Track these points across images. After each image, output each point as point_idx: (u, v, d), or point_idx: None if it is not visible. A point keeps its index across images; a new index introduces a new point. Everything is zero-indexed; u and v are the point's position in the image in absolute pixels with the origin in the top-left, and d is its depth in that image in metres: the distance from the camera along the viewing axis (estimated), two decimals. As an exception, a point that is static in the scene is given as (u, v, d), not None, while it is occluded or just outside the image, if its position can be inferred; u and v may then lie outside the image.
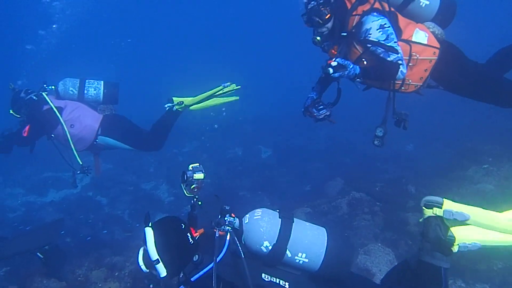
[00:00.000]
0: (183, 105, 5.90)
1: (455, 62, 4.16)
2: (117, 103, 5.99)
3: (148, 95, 14.45)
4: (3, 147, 5.63)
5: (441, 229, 2.70)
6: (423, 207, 2.80)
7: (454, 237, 2.74)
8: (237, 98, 6.23)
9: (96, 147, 5.89)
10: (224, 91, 5.87)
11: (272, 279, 2.63)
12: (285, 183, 10.78)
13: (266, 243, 2.65)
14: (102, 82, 5.79)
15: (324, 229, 2.77)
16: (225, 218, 2.74)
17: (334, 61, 3.62)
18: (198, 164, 3.01)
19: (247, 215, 2.84)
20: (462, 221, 2.66)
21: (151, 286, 2.72)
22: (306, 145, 13.39)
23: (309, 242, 2.66)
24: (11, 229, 8.87)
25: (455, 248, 2.76)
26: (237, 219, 2.78)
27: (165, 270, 2.59)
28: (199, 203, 2.92)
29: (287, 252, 2.65)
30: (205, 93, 5.90)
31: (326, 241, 2.67)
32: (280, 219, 2.72)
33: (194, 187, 2.90)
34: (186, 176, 2.90)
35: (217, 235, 2.69)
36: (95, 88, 5.70)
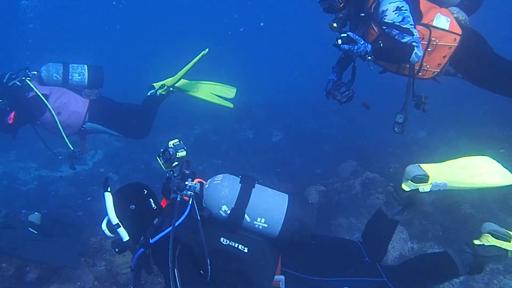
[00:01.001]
0: (165, 87, 5.76)
1: (476, 51, 4.04)
2: (102, 86, 5.86)
3: (134, 80, 14.33)
4: None
5: (496, 260, 2.82)
6: (488, 235, 2.79)
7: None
8: (232, 106, 6.29)
9: (83, 132, 5.82)
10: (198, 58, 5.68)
11: (230, 243, 2.66)
12: (296, 166, 10.79)
13: (224, 207, 2.66)
14: (86, 66, 5.64)
15: (286, 196, 2.77)
16: (186, 183, 2.77)
17: (345, 33, 3.58)
18: (178, 140, 2.97)
19: (208, 180, 2.85)
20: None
21: (116, 250, 2.76)
22: (317, 129, 13.37)
23: (268, 208, 2.67)
24: (25, 200, 8.98)
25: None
26: (198, 184, 2.79)
27: (127, 234, 2.68)
28: (174, 175, 2.88)
29: (246, 216, 2.65)
30: (183, 69, 5.72)
31: (286, 207, 2.67)
32: (240, 184, 2.72)
33: (175, 165, 2.88)
34: (170, 154, 2.87)
35: (178, 199, 2.75)
36: (80, 73, 5.56)
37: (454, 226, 5.57)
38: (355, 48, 3.54)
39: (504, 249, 2.71)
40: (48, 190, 9.39)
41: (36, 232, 4.64)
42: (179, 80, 5.80)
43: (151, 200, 2.86)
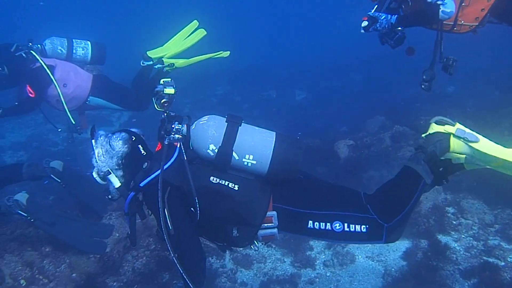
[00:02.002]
0: (174, 67, 5.70)
1: None
2: (104, 63, 5.87)
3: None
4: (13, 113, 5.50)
5: (442, 145, 2.71)
6: (433, 123, 2.77)
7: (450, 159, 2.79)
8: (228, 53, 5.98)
9: (85, 107, 5.79)
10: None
11: (220, 182, 2.67)
12: (321, 124, 10.71)
13: (211, 146, 2.65)
14: (89, 42, 5.64)
15: (274, 133, 2.73)
16: (172, 125, 2.77)
17: (365, 21, 3.56)
18: (170, 79, 2.98)
19: (194, 122, 2.83)
20: (470, 143, 2.63)
21: (108, 197, 2.86)
22: (341, 87, 13.19)
23: (256, 144, 2.64)
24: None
25: (452, 129, 2.73)
26: (184, 126, 2.79)
27: (118, 181, 2.81)
28: (168, 114, 2.88)
29: (234, 154, 2.64)
30: (199, 57, 5.71)
31: (273, 142, 2.63)
32: (226, 123, 2.70)
33: (164, 102, 2.89)
34: (156, 90, 2.90)
35: (166, 142, 2.76)
36: (83, 48, 5.56)
37: (489, 176, 5.49)
38: (378, 26, 3.52)
39: (447, 132, 2.70)
40: (78, 151, 9.55)
41: (59, 180, 4.74)
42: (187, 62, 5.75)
43: (139, 146, 2.91)
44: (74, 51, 5.52)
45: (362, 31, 3.63)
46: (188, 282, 2.56)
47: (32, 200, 4.44)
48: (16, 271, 4.34)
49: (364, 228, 2.72)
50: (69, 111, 5.44)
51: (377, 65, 13.45)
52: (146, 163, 2.90)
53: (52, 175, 4.68)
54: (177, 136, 2.75)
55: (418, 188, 2.78)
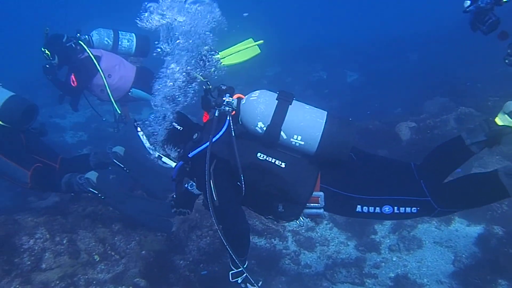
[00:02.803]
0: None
1: None
2: (147, 56, 5.92)
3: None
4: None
5: None
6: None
7: None
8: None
9: (128, 98, 5.91)
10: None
11: (267, 158, 2.70)
12: (374, 105, 10.43)
13: (260, 124, 2.64)
14: (134, 34, 5.74)
15: (325, 113, 2.69)
16: (223, 98, 2.82)
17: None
18: (209, 46, 3.10)
19: (246, 96, 2.83)
20: None
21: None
22: (395, 68, 12.73)
23: (305, 125, 2.61)
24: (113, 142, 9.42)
25: None
26: (235, 100, 2.82)
27: (172, 162, 3.10)
28: (210, 87, 2.97)
29: (282, 133, 2.63)
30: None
31: (323, 124, 2.59)
32: (276, 101, 2.69)
33: (213, 71, 3.05)
34: (204, 59, 3.02)
35: (216, 115, 2.85)
36: (128, 40, 5.68)
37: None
38: (480, 2, 3.36)
39: None
40: (133, 132, 9.78)
41: (122, 165, 4.85)
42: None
43: (174, 124, 3.07)
44: (119, 42, 5.69)
45: (468, 9, 3.44)
46: (231, 253, 2.68)
47: (102, 179, 4.59)
48: (90, 247, 4.52)
49: (414, 209, 2.69)
50: (114, 101, 5.64)
51: (433, 44, 12.91)
52: (196, 134, 3.03)
53: (115, 160, 4.81)
54: (227, 108, 2.80)
55: (496, 199, 2.79)
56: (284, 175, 2.68)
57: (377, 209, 2.68)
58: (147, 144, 3.14)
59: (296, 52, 15.05)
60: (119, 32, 5.71)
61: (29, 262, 4.17)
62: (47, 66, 5.46)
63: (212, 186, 2.69)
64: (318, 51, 14.92)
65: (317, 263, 4.80)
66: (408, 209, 2.68)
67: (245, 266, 2.84)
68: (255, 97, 2.75)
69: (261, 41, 5.74)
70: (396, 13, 20.23)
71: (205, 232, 5.06)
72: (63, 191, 4.61)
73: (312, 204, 2.75)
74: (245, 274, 2.85)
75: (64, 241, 4.41)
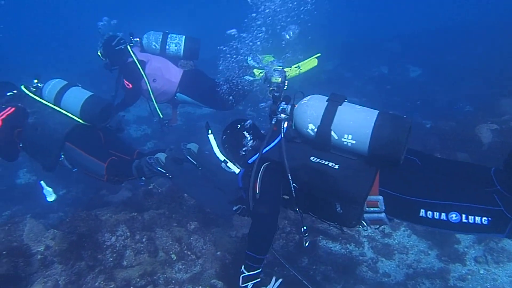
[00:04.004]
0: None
1: None
2: (197, 59, 5.82)
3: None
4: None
5: None
6: None
7: None
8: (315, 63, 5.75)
9: (175, 101, 5.93)
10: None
11: (321, 161, 2.72)
12: (441, 103, 9.97)
13: (311, 126, 2.70)
14: (183, 37, 5.63)
15: (376, 112, 2.63)
16: (279, 105, 2.97)
17: None
18: (281, 67, 3.25)
19: (298, 102, 2.90)
20: None
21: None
22: (462, 62, 12.13)
23: (355, 123, 2.59)
24: (176, 136, 9.53)
25: None
26: (289, 106, 2.93)
27: (236, 168, 3.29)
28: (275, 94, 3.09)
29: (333, 134, 2.64)
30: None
31: (373, 122, 2.54)
32: (326, 103, 2.71)
33: (271, 89, 3.11)
34: (266, 77, 3.21)
35: (273, 122, 3.01)
36: (176, 44, 5.58)
37: None
38: None
39: None
40: (196, 127, 9.88)
41: (195, 162, 4.83)
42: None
43: (244, 132, 3.29)
44: (167, 46, 5.65)
45: None
46: (252, 246, 2.91)
47: (171, 160, 4.65)
48: (168, 246, 4.55)
49: (485, 220, 2.45)
50: (157, 104, 5.70)
51: (500, 36, 12.19)
52: (255, 142, 3.26)
53: (188, 157, 4.81)
54: (282, 115, 2.93)
55: None
56: (338, 176, 2.67)
57: (443, 216, 2.50)
58: (216, 147, 3.33)
59: (354, 46, 14.68)
60: (169, 35, 5.67)
61: (111, 259, 4.25)
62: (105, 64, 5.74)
63: (258, 180, 2.89)
64: (377, 45, 14.48)
65: (397, 272, 4.61)
66: (478, 219, 2.45)
67: (259, 271, 2.94)
68: (306, 101, 2.82)
69: (319, 54, 5.65)
70: (457, 2, 19.31)
71: (277, 234, 4.99)
72: (134, 176, 4.71)
73: (371, 209, 2.69)
74: (258, 279, 2.93)
75: (144, 239, 4.46)
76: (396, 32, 15.41)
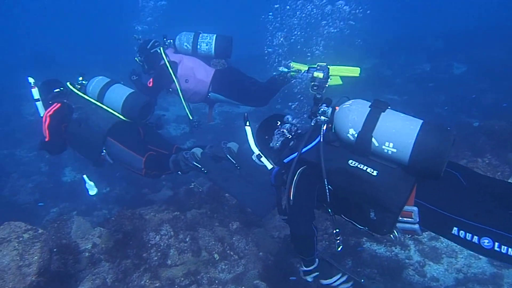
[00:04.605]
0: (297, 72, 5.41)
1: None
2: (230, 57, 5.76)
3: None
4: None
5: None
6: None
7: None
8: (358, 74, 5.41)
9: (210, 100, 5.90)
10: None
11: (359, 166, 2.67)
12: (488, 101, 9.58)
13: (351, 131, 2.66)
14: (214, 36, 5.59)
15: (420, 121, 2.56)
16: (320, 107, 2.94)
17: None
18: (325, 64, 3.26)
19: (340, 105, 2.85)
20: None
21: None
22: (509, 59, 11.62)
23: (397, 132, 2.53)
24: (215, 134, 9.59)
25: None
26: (330, 108, 2.89)
27: (269, 164, 3.30)
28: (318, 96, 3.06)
29: (374, 140, 2.58)
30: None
31: (417, 132, 2.48)
32: (369, 108, 2.66)
33: (313, 85, 3.16)
34: (310, 73, 3.23)
35: (312, 124, 2.98)
36: (207, 43, 5.54)
37: None
38: None
39: None
40: (234, 125, 9.90)
41: (234, 161, 4.80)
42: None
43: (283, 129, 3.31)
44: (198, 46, 5.62)
45: None
46: (296, 251, 3.02)
47: (206, 155, 4.68)
48: (210, 245, 4.56)
49: None
50: (189, 105, 5.70)
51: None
52: (292, 142, 3.23)
53: (228, 155, 4.80)
54: (322, 118, 2.90)
55: None
56: (375, 183, 2.62)
57: (475, 238, 2.40)
58: (251, 139, 3.32)
59: (394, 43, 14.35)
60: (200, 34, 5.65)
61: (156, 258, 4.30)
62: (134, 77, 5.79)
63: (292, 185, 2.89)
64: (419, 41, 14.10)
65: (445, 276, 4.43)
66: (511, 251, 2.32)
67: (314, 266, 2.99)
68: (348, 105, 2.77)
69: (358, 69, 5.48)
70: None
71: (319, 235, 4.91)
72: (171, 171, 4.79)
73: (405, 219, 2.64)
74: (316, 273, 3.01)
75: (187, 239, 4.49)
76: (439, 29, 14.95)
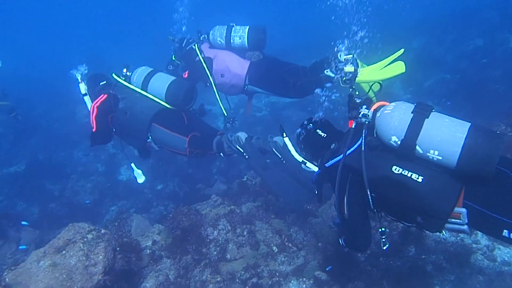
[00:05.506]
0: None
1: None
2: (264, 48, 5.59)
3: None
4: None
5: None
6: None
7: None
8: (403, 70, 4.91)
9: (247, 92, 5.77)
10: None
11: (403, 172, 2.58)
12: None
13: (394, 138, 2.57)
14: (247, 28, 5.44)
15: (468, 125, 2.44)
16: (359, 111, 2.84)
17: None
18: (352, 55, 3.30)
19: (381, 108, 2.74)
20: None
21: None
22: None
23: (442, 140, 2.43)
24: (263, 126, 9.56)
25: None
26: (371, 112, 2.80)
27: (314, 166, 3.33)
28: (357, 92, 3.01)
29: (418, 148, 2.50)
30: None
31: (463, 139, 2.37)
32: (412, 114, 2.55)
33: (345, 80, 3.24)
34: (339, 68, 3.33)
35: (353, 127, 2.90)
36: (240, 37, 5.41)
37: None
38: None
39: None
40: (282, 116, 9.85)
41: (280, 155, 4.71)
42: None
43: (318, 131, 3.23)
44: (231, 40, 5.50)
45: None
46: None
47: (250, 141, 4.62)
48: (268, 238, 4.54)
49: None
50: (221, 101, 5.60)
51: None
52: (334, 144, 3.14)
53: (274, 149, 4.73)
54: (363, 120, 2.83)
55: None
56: (421, 190, 2.54)
57: None
58: (292, 149, 3.52)
59: (443, 19, 13.72)
60: (233, 28, 5.54)
61: (215, 253, 4.33)
62: (171, 67, 5.80)
63: (345, 200, 2.83)
64: (470, 16, 13.39)
65: (518, 261, 4.21)
66: None
67: None
68: (389, 111, 2.66)
69: (402, 51, 5.10)
70: None
71: (378, 224, 4.77)
72: (214, 151, 4.80)
73: (454, 220, 2.56)
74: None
75: (245, 233, 4.50)
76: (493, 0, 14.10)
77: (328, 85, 5.32)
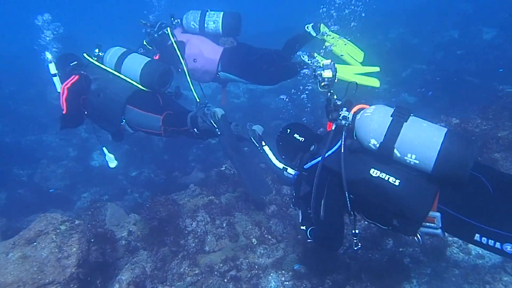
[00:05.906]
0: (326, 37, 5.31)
1: None
2: (238, 34, 5.52)
3: None
4: None
5: None
6: None
7: None
8: (378, 85, 5.28)
9: (220, 80, 5.68)
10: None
11: (380, 175, 2.62)
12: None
13: (373, 141, 2.60)
14: (221, 13, 5.36)
15: (444, 130, 2.50)
16: (339, 113, 2.84)
17: None
18: (330, 61, 3.20)
19: (361, 111, 2.76)
20: None
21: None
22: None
23: (420, 144, 2.48)
24: (242, 113, 9.44)
25: None
26: (351, 114, 2.82)
27: (294, 171, 3.37)
28: (335, 96, 2.98)
29: (396, 151, 2.54)
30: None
31: (440, 144, 2.43)
32: (391, 117, 2.58)
33: (324, 85, 3.15)
34: (316, 74, 3.20)
35: (332, 129, 2.90)
36: (214, 21, 5.34)
37: None
38: None
39: None
40: (260, 103, 9.76)
41: (257, 144, 4.64)
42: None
43: (295, 136, 3.21)
44: (205, 25, 5.40)
45: None
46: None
47: (225, 120, 4.49)
48: (247, 230, 4.48)
49: None
50: (193, 87, 5.34)
51: None
52: (313, 146, 3.09)
53: (252, 138, 4.65)
54: (343, 122, 2.83)
55: None
56: (397, 193, 2.59)
57: (498, 244, 2.42)
58: (273, 157, 3.60)
59: (419, 10, 13.83)
60: (207, 13, 5.44)
61: (193, 244, 4.25)
62: (141, 50, 5.60)
63: (322, 203, 2.85)
64: (445, 8, 13.54)
65: (491, 253, 4.28)
66: None
67: None
68: (369, 114, 2.69)
69: (378, 68, 5.28)
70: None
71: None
72: (188, 127, 4.61)
73: (428, 224, 2.61)
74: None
75: (224, 224, 4.43)
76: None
77: (305, 71, 5.31)
